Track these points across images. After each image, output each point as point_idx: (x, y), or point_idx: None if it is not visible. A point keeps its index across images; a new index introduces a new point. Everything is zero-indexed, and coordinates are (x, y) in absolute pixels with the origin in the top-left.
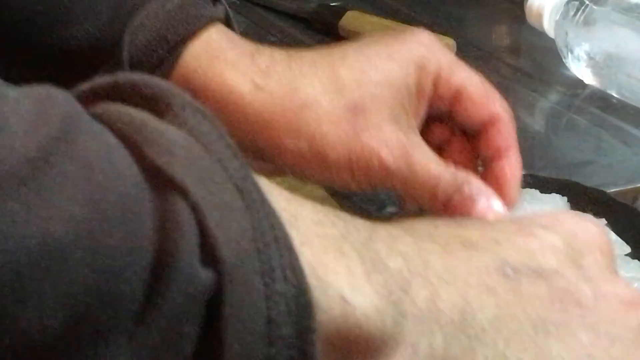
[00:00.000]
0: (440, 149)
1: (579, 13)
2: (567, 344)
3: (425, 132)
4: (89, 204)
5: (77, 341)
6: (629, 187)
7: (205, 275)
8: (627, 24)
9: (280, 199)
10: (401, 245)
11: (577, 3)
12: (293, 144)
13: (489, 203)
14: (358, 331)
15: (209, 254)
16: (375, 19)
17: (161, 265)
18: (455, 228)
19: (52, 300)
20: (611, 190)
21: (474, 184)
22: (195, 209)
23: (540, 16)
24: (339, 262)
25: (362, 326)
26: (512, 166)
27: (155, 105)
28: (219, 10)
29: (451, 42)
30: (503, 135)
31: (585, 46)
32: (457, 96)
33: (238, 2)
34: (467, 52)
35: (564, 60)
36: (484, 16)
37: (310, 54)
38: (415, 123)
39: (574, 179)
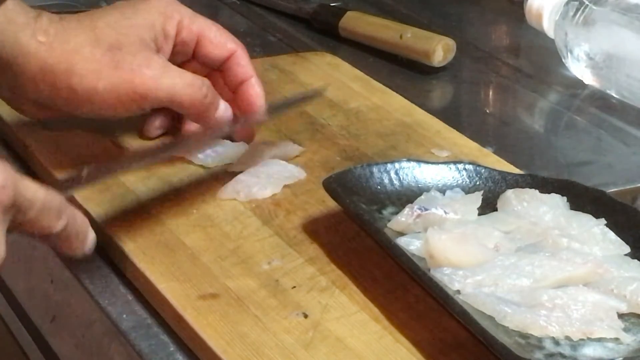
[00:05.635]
0: None
1: (579, 13)
2: None
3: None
4: None
5: None
6: (629, 187)
7: None
8: (626, 24)
9: None
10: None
11: (576, 3)
12: (66, 83)
13: (225, 107)
14: None
15: None
16: (375, 19)
17: None
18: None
19: None
20: (611, 190)
21: (213, 90)
22: None
23: (539, 16)
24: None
25: None
26: (254, 87)
27: None
28: None
29: (451, 41)
30: (242, 65)
31: (585, 46)
32: (199, 40)
33: (238, 2)
34: (467, 52)
35: (563, 60)
36: (484, 16)
37: (76, 16)
38: (164, 57)
39: (574, 178)
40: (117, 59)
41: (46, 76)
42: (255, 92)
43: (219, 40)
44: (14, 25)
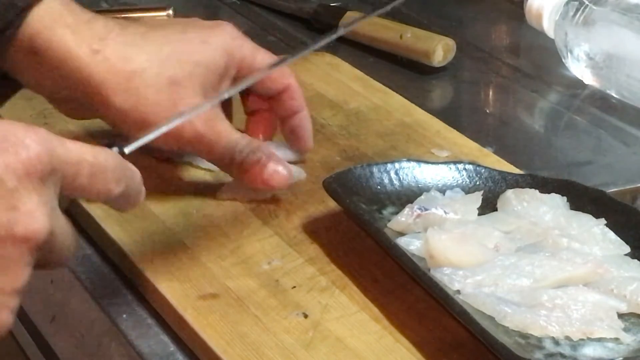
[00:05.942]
0: (249, 108)
1: (579, 13)
2: None
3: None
4: None
5: None
6: (628, 187)
7: None
8: (626, 24)
9: None
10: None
11: (576, 3)
12: (120, 104)
13: (276, 166)
14: None
15: None
16: (375, 19)
17: None
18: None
19: None
20: (610, 190)
21: (266, 150)
22: None
23: (539, 16)
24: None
25: None
26: (304, 120)
27: None
28: None
29: (451, 41)
30: (295, 99)
31: (585, 46)
32: None
33: (238, 2)
34: (467, 52)
35: (563, 60)
36: (484, 16)
37: (140, 29)
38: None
39: (574, 178)
40: (175, 98)
41: (97, 88)
42: (306, 128)
43: (276, 75)
44: (61, 26)
